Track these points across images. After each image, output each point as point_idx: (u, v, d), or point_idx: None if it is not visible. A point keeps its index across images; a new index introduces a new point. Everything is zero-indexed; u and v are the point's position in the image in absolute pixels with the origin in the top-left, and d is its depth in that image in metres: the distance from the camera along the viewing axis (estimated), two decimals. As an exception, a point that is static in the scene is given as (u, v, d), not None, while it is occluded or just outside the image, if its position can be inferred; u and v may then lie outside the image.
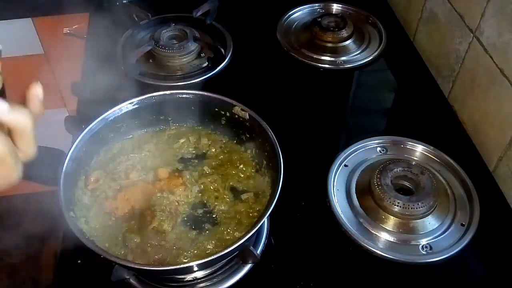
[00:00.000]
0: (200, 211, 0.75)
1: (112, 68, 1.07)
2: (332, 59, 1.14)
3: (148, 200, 0.74)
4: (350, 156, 0.90)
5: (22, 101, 0.49)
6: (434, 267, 0.75)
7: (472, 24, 0.95)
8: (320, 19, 1.19)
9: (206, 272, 0.72)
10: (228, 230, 0.71)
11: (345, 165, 0.89)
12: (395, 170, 0.82)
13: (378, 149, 0.92)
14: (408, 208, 0.78)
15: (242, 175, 0.79)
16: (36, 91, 0.47)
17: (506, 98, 0.85)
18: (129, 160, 0.80)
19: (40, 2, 1.29)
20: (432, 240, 0.78)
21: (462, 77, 1.00)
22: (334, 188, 0.84)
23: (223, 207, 0.75)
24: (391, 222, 0.79)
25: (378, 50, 1.17)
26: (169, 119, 0.84)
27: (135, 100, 0.79)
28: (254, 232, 0.64)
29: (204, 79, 1.06)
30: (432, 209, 0.79)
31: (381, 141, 0.93)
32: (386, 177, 0.81)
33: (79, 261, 0.73)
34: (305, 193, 0.85)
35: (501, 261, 0.77)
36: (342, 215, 0.80)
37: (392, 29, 1.23)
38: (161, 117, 0.83)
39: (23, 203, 1.89)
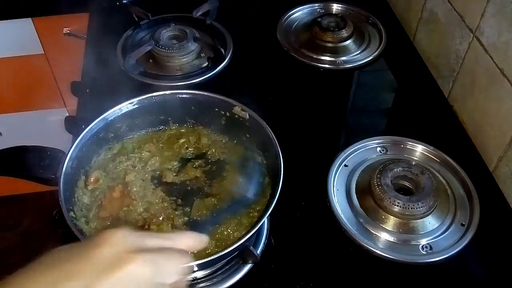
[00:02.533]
0: (200, 211, 0.75)
1: (112, 68, 1.07)
2: (332, 59, 1.14)
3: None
4: (350, 156, 0.90)
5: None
6: (434, 267, 0.75)
7: (472, 24, 0.95)
8: (320, 19, 1.19)
9: (206, 272, 0.72)
10: (228, 230, 0.71)
11: (345, 165, 0.89)
12: (395, 170, 0.82)
13: (378, 149, 0.92)
14: (408, 208, 0.78)
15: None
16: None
17: (506, 98, 0.85)
18: (129, 160, 0.80)
19: (40, 2, 1.29)
20: (432, 240, 0.78)
21: (462, 77, 1.00)
22: (334, 188, 0.84)
23: (223, 207, 0.75)
24: (391, 222, 0.79)
25: (378, 50, 1.16)
26: (169, 119, 0.84)
27: (135, 100, 0.79)
28: (254, 232, 0.64)
29: (204, 79, 1.06)
30: (432, 209, 0.79)
31: (381, 141, 0.93)
32: (386, 177, 0.81)
33: (79, 261, 0.73)
34: (305, 193, 0.85)
35: (501, 261, 0.77)
36: (342, 215, 0.80)
37: (392, 29, 1.23)
38: (161, 117, 0.83)
39: (23, 203, 1.89)
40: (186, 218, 0.73)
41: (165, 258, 0.45)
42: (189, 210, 0.74)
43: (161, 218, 0.72)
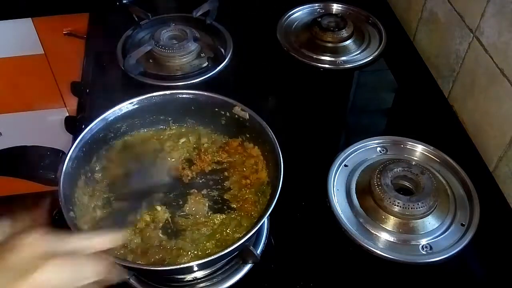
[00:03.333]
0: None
1: (112, 68, 1.07)
2: (332, 59, 1.14)
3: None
4: (350, 156, 0.90)
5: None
6: (434, 267, 0.75)
7: (472, 24, 0.95)
8: (320, 19, 1.19)
9: (206, 272, 0.72)
10: (228, 231, 0.71)
11: (345, 165, 0.89)
12: (395, 170, 0.82)
13: (378, 149, 0.92)
14: (408, 208, 0.78)
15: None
16: None
17: (506, 98, 0.85)
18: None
19: (40, 2, 1.29)
20: (432, 240, 0.78)
21: (462, 77, 1.00)
22: (334, 188, 0.84)
23: (223, 207, 0.75)
24: (391, 222, 0.79)
25: (378, 50, 1.16)
26: (169, 119, 0.84)
27: (135, 100, 0.79)
28: (254, 232, 0.64)
29: (204, 79, 1.06)
30: (432, 209, 0.79)
31: (381, 141, 0.93)
32: (386, 177, 0.81)
33: (79, 261, 0.73)
34: (305, 193, 0.85)
35: (501, 261, 0.77)
36: (342, 215, 0.80)
37: (392, 29, 1.23)
38: (161, 117, 0.83)
39: (23, 203, 1.89)
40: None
41: (79, 262, 0.44)
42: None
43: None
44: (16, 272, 0.40)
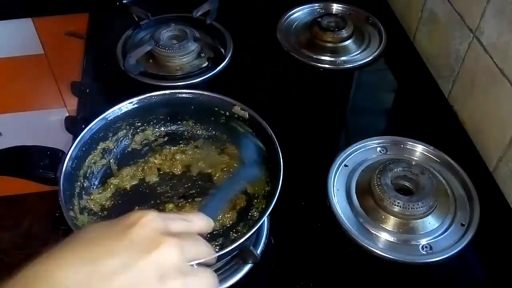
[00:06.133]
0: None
1: (112, 68, 1.07)
2: (332, 59, 1.14)
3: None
4: (350, 156, 0.90)
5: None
6: (434, 267, 0.75)
7: (472, 24, 0.95)
8: (320, 19, 1.19)
9: (206, 272, 0.72)
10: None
11: (345, 165, 0.89)
12: (395, 170, 0.82)
13: (378, 149, 0.92)
14: (408, 208, 0.78)
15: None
16: None
17: (506, 98, 0.85)
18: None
19: (40, 2, 1.29)
20: (432, 240, 0.77)
21: (462, 77, 1.00)
22: (334, 188, 0.84)
23: (223, 207, 0.75)
24: (391, 222, 0.79)
25: (378, 50, 1.16)
26: (169, 118, 0.84)
27: (135, 99, 0.79)
28: (254, 232, 0.64)
29: (204, 79, 1.06)
30: (432, 209, 0.79)
31: (381, 141, 0.93)
32: (386, 177, 0.81)
33: (79, 261, 0.73)
34: (305, 193, 0.85)
35: (501, 261, 0.77)
36: (342, 215, 0.80)
37: (392, 29, 1.23)
38: (161, 117, 0.83)
39: (23, 203, 1.89)
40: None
41: (191, 244, 0.45)
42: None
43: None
44: (141, 246, 0.40)
